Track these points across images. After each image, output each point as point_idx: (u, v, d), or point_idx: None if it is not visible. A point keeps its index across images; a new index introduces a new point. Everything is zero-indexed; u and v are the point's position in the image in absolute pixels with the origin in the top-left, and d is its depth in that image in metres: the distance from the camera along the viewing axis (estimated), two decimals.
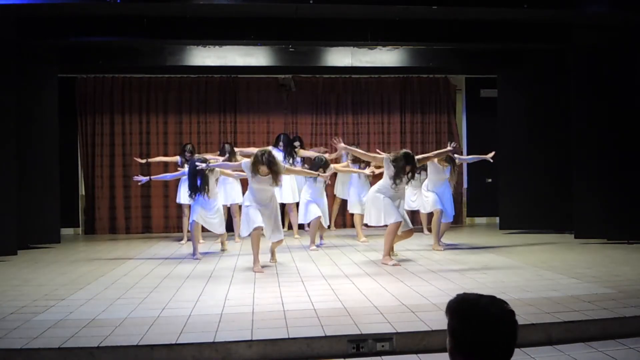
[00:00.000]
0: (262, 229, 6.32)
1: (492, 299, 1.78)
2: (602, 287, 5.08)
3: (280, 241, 6.70)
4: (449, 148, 7.27)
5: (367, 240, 8.62)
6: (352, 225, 9.67)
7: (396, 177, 6.49)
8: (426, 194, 8.00)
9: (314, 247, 7.87)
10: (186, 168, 8.37)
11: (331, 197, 10.42)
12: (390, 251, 6.72)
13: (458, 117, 11.31)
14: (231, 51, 9.43)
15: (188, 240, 8.75)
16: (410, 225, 6.87)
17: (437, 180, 7.83)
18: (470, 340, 1.72)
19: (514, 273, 5.86)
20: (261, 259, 6.40)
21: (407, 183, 6.71)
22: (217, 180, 7.64)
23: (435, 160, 7.62)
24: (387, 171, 6.60)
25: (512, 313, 1.76)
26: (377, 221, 6.76)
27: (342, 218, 10.68)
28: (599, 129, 8.05)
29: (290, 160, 9.09)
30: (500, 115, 9.86)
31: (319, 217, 7.98)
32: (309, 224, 8.54)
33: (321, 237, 8.47)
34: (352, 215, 9.36)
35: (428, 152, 7.99)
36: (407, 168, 6.51)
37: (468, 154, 11.20)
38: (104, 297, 5.04)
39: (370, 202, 6.78)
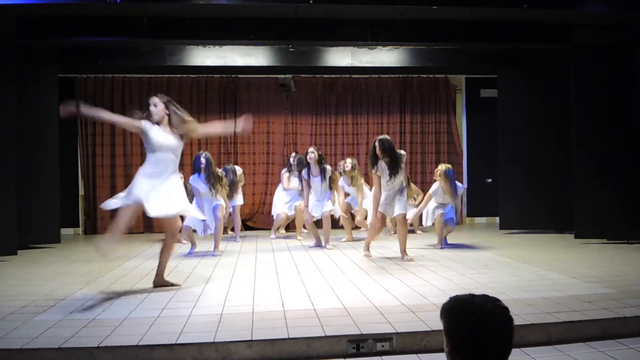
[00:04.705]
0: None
1: (485, 298, 1.79)
2: (602, 287, 5.08)
3: (171, 242, 5.40)
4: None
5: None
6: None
7: (371, 162, 6.71)
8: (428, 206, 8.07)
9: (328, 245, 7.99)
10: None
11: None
12: (369, 244, 7.24)
13: (458, 117, 11.31)
14: (231, 51, 9.42)
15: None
16: (392, 214, 6.90)
17: (440, 203, 7.91)
18: (468, 340, 1.72)
19: (514, 273, 5.86)
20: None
21: (391, 174, 6.70)
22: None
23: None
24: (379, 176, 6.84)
25: (506, 309, 1.76)
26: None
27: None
28: (598, 129, 8.05)
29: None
30: (500, 115, 9.86)
31: (327, 214, 8.09)
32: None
33: (327, 242, 8.14)
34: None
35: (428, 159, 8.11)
36: (379, 154, 6.65)
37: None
38: (104, 297, 5.03)
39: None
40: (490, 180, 11.02)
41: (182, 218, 8.91)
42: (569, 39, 8.20)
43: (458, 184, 7.99)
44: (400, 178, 6.81)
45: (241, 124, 5.52)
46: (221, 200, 7.74)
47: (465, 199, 10.83)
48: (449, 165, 7.92)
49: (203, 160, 7.58)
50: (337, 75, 10.84)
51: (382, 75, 10.89)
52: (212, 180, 7.54)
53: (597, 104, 8.07)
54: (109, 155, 10.45)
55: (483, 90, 11.17)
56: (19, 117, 7.78)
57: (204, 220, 7.47)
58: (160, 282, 5.43)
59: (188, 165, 9.41)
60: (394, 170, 6.70)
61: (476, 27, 8.34)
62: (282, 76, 10.74)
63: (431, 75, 11.04)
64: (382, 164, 6.73)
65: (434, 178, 7.95)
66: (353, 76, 10.86)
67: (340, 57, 9.77)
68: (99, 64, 9.72)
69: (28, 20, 7.71)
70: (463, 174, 11.05)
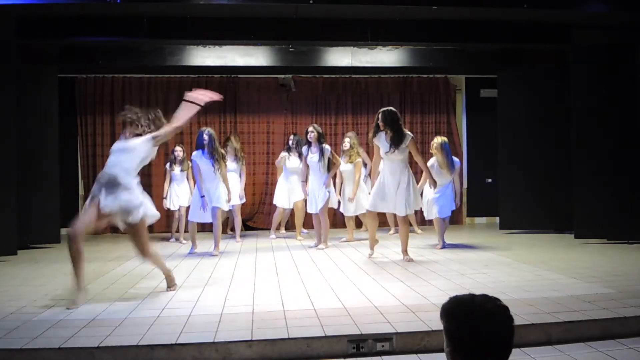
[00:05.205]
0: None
1: (485, 297, 1.79)
2: (602, 287, 5.08)
3: (147, 259, 5.14)
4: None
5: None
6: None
7: (373, 132, 6.81)
8: (426, 194, 7.98)
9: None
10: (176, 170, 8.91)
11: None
12: (373, 243, 7.12)
13: (458, 117, 11.31)
14: (231, 51, 9.43)
15: (174, 239, 9.04)
16: (393, 210, 6.81)
17: (440, 185, 7.84)
18: (468, 340, 1.72)
19: (514, 273, 5.86)
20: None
21: (393, 145, 6.65)
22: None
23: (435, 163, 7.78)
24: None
25: (506, 309, 1.77)
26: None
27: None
28: (599, 129, 8.05)
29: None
30: (500, 115, 9.86)
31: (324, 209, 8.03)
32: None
33: (324, 240, 8.05)
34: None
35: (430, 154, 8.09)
36: (381, 125, 6.71)
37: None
38: (104, 297, 5.04)
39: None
40: (490, 180, 11.01)
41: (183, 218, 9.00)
42: (569, 39, 8.20)
43: (455, 159, 7.96)
44: (401, 157, 6.65)
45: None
46: (223, 193, 7.64)
47: (465, 174, 10.80)
48: (445, 138, 7.90)
49: (206, 136, 7.59)
50: (337, 75, 10.84)
51: (382, 75, 10.89)
52: (216, 156, 7.56)
53: (597, 104, 8.06)
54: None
55: (483, 90, 11.18)
56: (19, 117, 7.78)
57: (202, 197, 7.52)
58: (166, 274, 5.42)
59: (188, 144, 9.48)
60: (395, 143, 6.62)
61: (476, 27, 8.35)
62: (282, 76, 10.74)
63: (431, 75, 11.04)
64: (383, 136, 6.71)
65: (430, 151, 7.90)
66: (353, 76, 10.85)
67: (340, 57, 9.77)
68: (99, 64, 9.72)
69: (28, 20, 7.71)
70: (463, 174, 11.04)
